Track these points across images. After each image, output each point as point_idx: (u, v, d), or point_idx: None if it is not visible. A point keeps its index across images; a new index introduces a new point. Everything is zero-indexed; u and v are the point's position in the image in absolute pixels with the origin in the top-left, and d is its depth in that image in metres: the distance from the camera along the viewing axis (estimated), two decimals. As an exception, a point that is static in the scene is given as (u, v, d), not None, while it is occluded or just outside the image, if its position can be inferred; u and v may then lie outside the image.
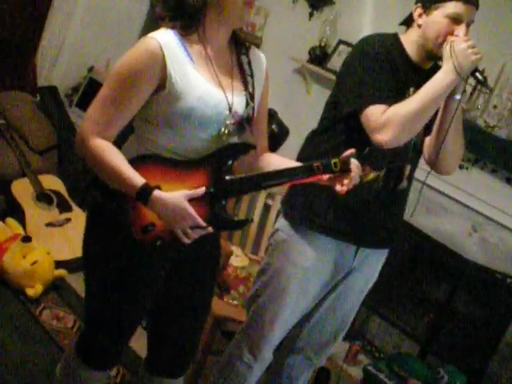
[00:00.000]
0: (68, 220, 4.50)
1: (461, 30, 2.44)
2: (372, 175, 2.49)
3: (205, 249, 2.31)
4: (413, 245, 4.18)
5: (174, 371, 2.45)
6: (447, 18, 2.44)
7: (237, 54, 2.24)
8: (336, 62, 4.84)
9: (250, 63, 2.25)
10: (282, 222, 2.70)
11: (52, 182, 4.69)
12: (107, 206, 2.14)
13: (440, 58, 2.47)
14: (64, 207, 4.58)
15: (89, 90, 5.43)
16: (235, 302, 3.40)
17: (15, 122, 4.89)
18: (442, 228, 4.27)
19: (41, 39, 5.36)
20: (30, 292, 3.86)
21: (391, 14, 4.53)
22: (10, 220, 4.25)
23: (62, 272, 4.08)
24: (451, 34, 2.44)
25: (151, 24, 5.52)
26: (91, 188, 2.17)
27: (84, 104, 5.36)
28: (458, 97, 2.46)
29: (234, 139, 2.19)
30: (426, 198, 3.97)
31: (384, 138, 2.35)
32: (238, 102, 2.18)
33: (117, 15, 5.62)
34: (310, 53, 5.06)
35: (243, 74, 2.22)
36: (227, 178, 2.12)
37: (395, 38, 2.59)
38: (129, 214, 2.09)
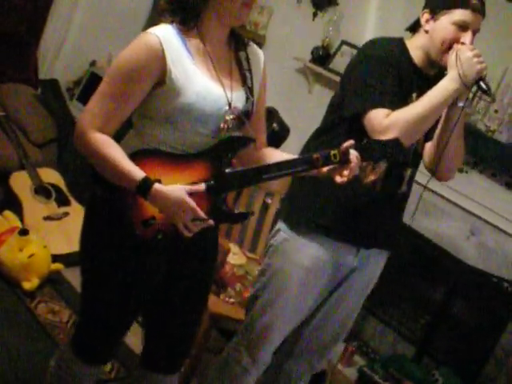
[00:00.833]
0: (66, 214, 4.49)
1: (467, 37, 2.44)
2: (372, 176, 2.49)
3: (203, 246, 2.31)
4: (410, 247, 4.19)
5: (169, 367, 2.44)
6: (454, 25, 2.45)
7: (235, 49, 2.25)
8: (338, 63, 4.84)
9: (248, 59, 2.27)
10: (283, 223, 2.70)
11: (51, 176, 4.69)
12: (107, 200, 2.14)
13: (444, 66, 2.48)
14: (62, 201, 4.57)
15: (90, 84, 5.43)
16: (231, 300, 3.39)
17: (15, 115, 4.89)
18: (440, 231, 4.27)
19: (43, 32, 5.36)
20: (26, 285, 3.85)
21: (394, 17, 4.57)
22: (7, 213, 4.23)
23: (58, 266, 4.07)
24: (457, 41, 2.45)
25: (155, 19, 5.51)
26: (91, 182, 2.16)
27: (85, 98, 5.35)
28: (461, 104, 2.46)
29: (234, 133, 2.19)
30: (425, 200, 3.96)
31: None
32: (238, 97, 2.19)
33: (120, 10, 5.62)
34: (312, 53, 5.06)
35: (241, 69, 2.23)
36: (227, 170, 2.12)
37: (401, 42, 2.59)
38: (129, 207, 2.09)
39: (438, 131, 2.59)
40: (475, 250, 4.15)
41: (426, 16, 2.53)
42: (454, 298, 4.07)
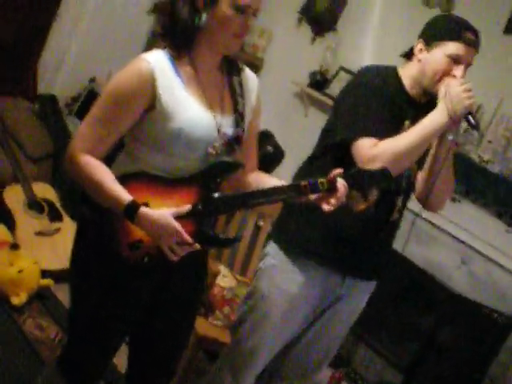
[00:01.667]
0: (58, 230, 4.48)
1: (459, 71, 2.46)
2: (363, 205, 2.49)
3: (191, 268, 2.30)
4: (400, 273, 4.18)
5: None
6: (447, 58, 2.46)
7: (228, 74, 2.26)
8: (335, 88, 4.87)
9: (241, 83, 2.28)
10: (272, 247, 2.70)
11: (45, 191, 4.68)
12: (95, 221, 2.15)
13: (435, 95, 2.49)
14: (55, 217, 4.56)
15: (88, 100, 5.44)
16: (219, 323, 3.38)
17: (12, 128, 4.89)
18: (431, 259, 4.27)
19: (44, 47, 5.38)
20: (15, 300, 3.83)
21: (392, 45, 4.57)
22: (-1, 226, 4.23)
23: (48, 282, 4.06)
24: (449, 73, 2.46)
25: (155, 39, 5.54)
26: (81, 203, 2.17)
27: (83, 114, 5.25)
28: (450, 137, 2.48)
29: (223, 158, 2.20)
30: (417, 228, 3.97)
31: None
32: (227, 123, 2.20)
33: (122, 28, 5.64)
34: (310, 77, 5.09)
35: (233, 94, 2.24)
36: (215, 195, 2.13)
37: (393, 70, 2.60)
38: (117, 230, 2.10)
39: (428, 163, 2.60)
40: (465, 279, 4.16)
41: (420, 46, 2.54)
42: (443, 326, 4.06)
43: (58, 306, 4.07)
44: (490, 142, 4.03)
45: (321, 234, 2.58)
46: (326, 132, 2.65)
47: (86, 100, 5.50)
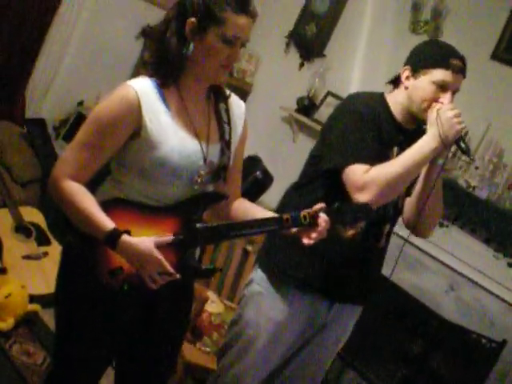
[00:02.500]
0: (45, 254, 4.46)
1: (446, 97, 2.46)
2: (350, 232, 2.50)
3: (176, 295, 2.29)
4: (389, 299, 4.18)
5: None
6: (434, 85, 2.47)
7: (215, 101, 2.27)
8: (323, 114, 4.90)
9: (227, 111, 2.28)
10: (258, 274, 2.69)
11: (32, 215, 4.66)
12: (78, 247, 2.15)
13: (424, 122, 2.50)
14: (42, 241, 4.54)
15: (77, 123, 5.42)
16: (207, 349, 3.37)
17: (0, 152, 4.88)
18: (419, 284, 4.28)
19: (33, 70, 5.38)
20: (1, 325, 3.80)
21: (380, 70, 4.64)
22: (-14, 251, 4.21)
23: (35, 307, 4.03)
24: (436, 100, 2.47)
25: (144, 64, 5.55)
26: (64, 228, 2.17)
27: (71, 138, 5.31)
28: (440, 162, 2.49)
29: (209, 187, 2.21)
30: (405, 253, 3.99)
31: (364, 198, 2.34)
32: (213, 152, 2.20)
33: (110, 52, 5.65)
34: (298, 102, 5.11)
35: (220, 122, 2.25)
36: (197, 226, 2.12)
37: (381, 97, 2.61)
38: (98, 256, 2.10)
39: (417, 188, 2.61)
40: (454, 304, 4.17)
41: (407, 73, 2.55)
42: (432, 351, 4.06)
43: (45, 331, 4.04)
44: (477, 167, 4.05)
45: (307, 261, 2.57)
46: (314, 158, 2.65)
47: (74, 123, 5.50)
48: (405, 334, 4.23)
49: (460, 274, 4.16)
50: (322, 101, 5.03)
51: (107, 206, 2.07)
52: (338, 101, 4.88)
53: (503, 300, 4.02)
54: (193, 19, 2.05)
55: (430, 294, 4.22)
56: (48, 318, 4.12)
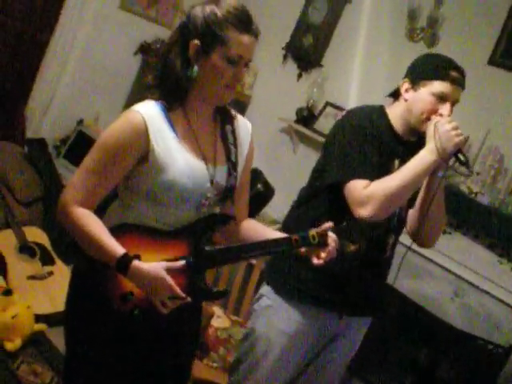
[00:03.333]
0: (50, 273, 4.47)
1: (445, 109, 2.47)
2: (353, 246, 2.50)
3: (186, 316, 2.29)
4: (394, 307, 4.18)
5: None
6: (433, 96, 2.48)
7: (221, 123, 2.27)
8: (322, 124, 4.91)
9: (234, 132, 2.28)
10: (267, 288, 2.70)
11: (36, 235, 4.67)
12: (87, 272, 2.15)
13: (423, 134, 2.50)
14: (47, 260, 4.55)
15: (77, 142, 5.46)
16: (215, 365, 3.37)
17: (2, 173, 4.89)
18: (424, 291, 4.28)
19: (32, 90, 5.40)
20: (9, 346, 3.81)
21: (378, 78, 4.65)
22: (-9, 272, 4.22)
23: (41, 326, 4.04)
24: (435, 112, 2.48)
25: (142, 82, 5.58)
26: (74, 253, 2.17)
27: (72, 156, 5.39)
28: (440, 174, 2.49)
29: (216, 209, 2.21)
30: (409, 261, 3.97)
31: (365, 212, 2.36)
32: (221, 174, 2.20)
33: (108, 71, 5.66)
34: (297, 113, 5.12)
35: (226, 143, 2.25)
36: (206, 248, 2.13)
37: (381, 110, 2.62)
38: (108, 282, 2.10)
39: (419, 200, 2.62)
40: (459, 311, 4.16)
41: (406, 85, 2.56)
42: (438, 359, 4.06)
43: (52, 350, 4.04)
44: (478, 173, 4.06)
45: (314, 274, 2.58)
46: (316, 174, 2.67)
47: (74, 142, 5.51)
48: (411, 341, 4.23)
49: (464, 280, 4.16)
50: (321, 111, 5.04)
51: (115, 231, 2.07)
52: (336, 111, 4.90)
53: (508, 305, 4.02)
54: (196, 41, 2.06)
55: (435, 301, 4.22)
56: (54, 337, 4.12)
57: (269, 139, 5.30)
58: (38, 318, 4.06)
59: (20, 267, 4.40)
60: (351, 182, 2.43)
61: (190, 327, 2.39)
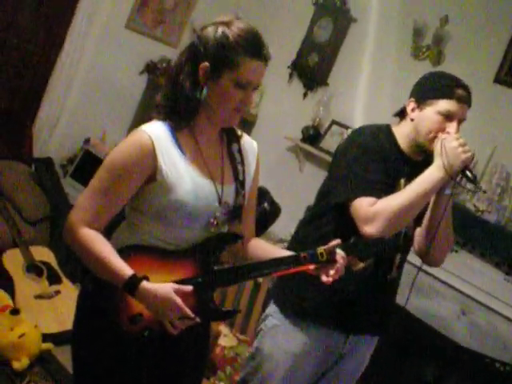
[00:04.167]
0: (57, 292, 4.47)
1: (452, 127, 2.47)
2: (361, 264, 2.51)
3: (195, 336, 2.29)
4: (401, 326, 4.17)
5: None
6: (440, 115, 2.48)
7: (228, 142, 2.28)
8: (328, 142, 4.92)
9: (240, 151, 2.29)
10: (273, 308, 2.70)
11: (43, 254, 4.68)
12: (96, 294, 2.15)
13: (431, 152, 2.49)
14: (54, 279, 4.56)
15: (84, 161, 5.48)
16: (222, 384, 3.38)
17: (9, 192, 4.91)
18: (431, 310, 4.26)
19: (39, 110, 5.43)
20: (16, 365, 3.81)
21: (383, 96, 4.66)
22: (-1, 291, 4.23)
23: (48, 345, 4.04)
24: (442, 130, 2.48)
25: (148, 101, 5.60)
26: (82, 274, 2.17)
27: (78, 175, 5.41)
28: (448, 192, 2.49)
29: (224, 228, 2.22)
30: (417, 280, 3.98)
31: (372, 230, 2.37)
32: (229, 193, 2.21)
33: (115, 90, 5.69)
34: (303, 132, 5.13)
35: (233, 162, 2.25)
36: (215, 268, 2.13)
37: (388, 129, 2.63)
38: (117, 303, 2.10)
39: (426, 219, 2.61)
40: (466, 329, 4.15)
41: (412, 105, 2.57)
42: (445, 377, 4.04)
43: (59, 369, 4.04)
44: (484, 191, 4.05)
45: (320, 294, 2.58)
46: (323, 193, 2.67)
47: (81, 161, 5.53)
48: (419, 360, 4.21)
49: (471, 298, 4.14)
50: (327, 130, 5.05)
51: (124, 252, 2.07)
52: (342, 129, 4.91)
53: (516, 323, 4.01)
54: (206, 63, 2.06)
55: (442, 319, 4.21)
56: (61, 356, 4.12)
57: (275, 158, 5.30)
58: (45, 337, 4.07)
59: (27, 286, 4.41)
60: (357, 200, 2.43)
61: (199, 347, 2.38)
